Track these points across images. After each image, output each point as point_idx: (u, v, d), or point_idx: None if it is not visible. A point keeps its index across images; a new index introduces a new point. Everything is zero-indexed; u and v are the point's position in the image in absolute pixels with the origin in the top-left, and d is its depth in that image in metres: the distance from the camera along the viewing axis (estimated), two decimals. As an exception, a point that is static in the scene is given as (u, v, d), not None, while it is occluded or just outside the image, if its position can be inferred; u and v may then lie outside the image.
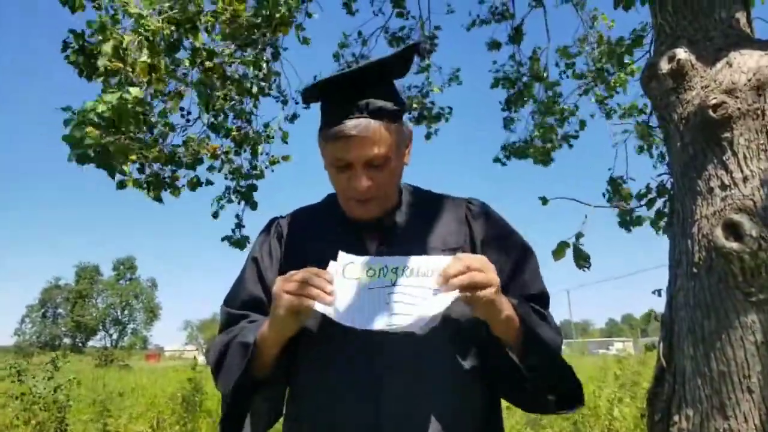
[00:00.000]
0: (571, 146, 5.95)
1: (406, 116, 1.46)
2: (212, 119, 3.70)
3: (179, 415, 8.31)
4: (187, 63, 3.07)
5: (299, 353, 1.35)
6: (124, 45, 2.49)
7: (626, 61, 5.26)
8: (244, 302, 1.42)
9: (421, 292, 1.18)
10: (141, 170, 3.51)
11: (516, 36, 5.90)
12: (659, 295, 2.81)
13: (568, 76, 5.96)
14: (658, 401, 1.53)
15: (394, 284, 1.20)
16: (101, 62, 2.53)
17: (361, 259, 1.25)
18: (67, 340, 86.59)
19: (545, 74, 5.91)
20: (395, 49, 6.35)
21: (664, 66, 1.47)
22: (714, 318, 1.30)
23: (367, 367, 1.26)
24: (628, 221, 4.17)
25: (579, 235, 2.58)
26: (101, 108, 2.47)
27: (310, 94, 1.37)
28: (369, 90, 1.31)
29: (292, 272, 1.20)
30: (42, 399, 6.61)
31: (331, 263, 1.23)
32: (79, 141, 2.50)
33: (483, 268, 1.15)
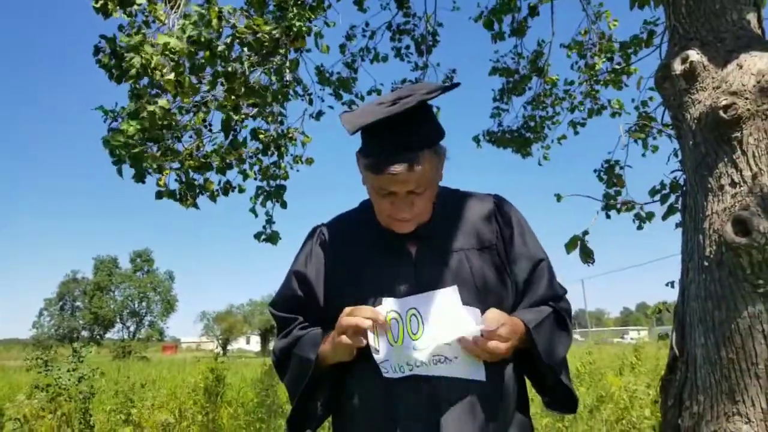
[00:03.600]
0: (577, 133, 6.09)
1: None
2: (232, 136, 3.86)
3: (201, 405, 8.49)
4: (208, 83, 3.22)
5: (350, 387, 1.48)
6: (152, 65, 2.64)
7: (633, 59, 5.33)
8: (290, 305, 1.56)
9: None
10: (178, 180, 3.70)
11: (519, 29, 5.97)
12: (672, 286, 2.90)
13: (581, 68, 6.03)
14: (671, 387, 1.60)
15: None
16: (132, 71, 2.68)
17: (395, 306, 1.39)
18: (85, 333, 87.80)
19: (546, 67, 6.01)
20: (395, 43, 6.48)
21: (677, 67, 1.53)
22: (724, 309, 1.37)
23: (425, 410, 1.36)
24: (641, 218, 4.21)
25: (585, 233, 2.69)
26: (131, 130, 2.67)
27: (354, 130, 1.38)
28: (411, 122, 1.34)
29: (353, 310, 1.36)
30: (66, 390, 6.80)
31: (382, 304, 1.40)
32: (117, 154, 2.69)
33: (506, 338, 1.33)
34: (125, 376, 8.63)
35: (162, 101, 2.80)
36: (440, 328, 1.35)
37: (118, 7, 2.85)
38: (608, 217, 4.23)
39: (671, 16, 1.65)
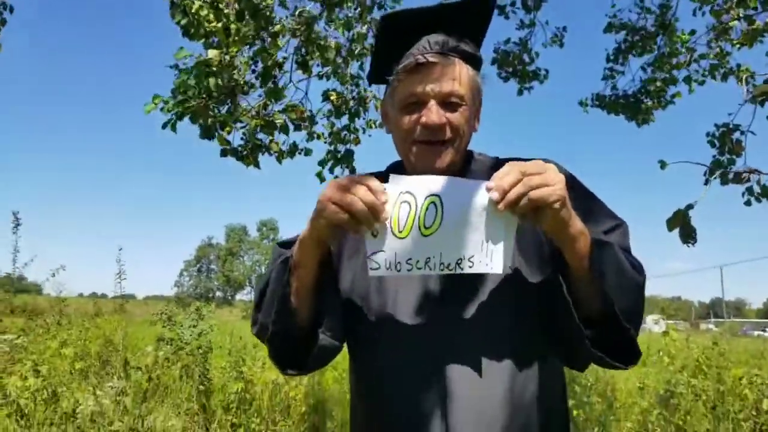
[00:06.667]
0: (692, 91, 5.31)
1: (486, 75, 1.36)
2: (272, 83, 3.68)
3: (307, 368, 8.85)
4: (253, 28, 3.11)
5: (357, 352, 1.31)
6: (193, 10, 2.62)
7: None
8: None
9: (481, 219, 1.05)
10: (244, 138, 3.65)
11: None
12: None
13: (704, 14, 5.25)
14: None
15: (443, 216, 1.06)
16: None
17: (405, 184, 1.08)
18: (219, 294, 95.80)
19: (673, 24, 5.28)
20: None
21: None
22: None
23: (435, 374, 1.18)
24: (753, 193, 3.53)
25: (690, 207, 2.25)
26: (191, 82, 2.67)
27: (390, 23, 1.28)
28: (450, 30, 1.23)
29: (344, 178, 1.10)
30: (188, 345, 7.36)
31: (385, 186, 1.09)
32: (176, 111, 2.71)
33: (542, 172, 1.02)
34: (239, 336, 9.19)
35: (212, 52, 2.79)
36: (463, 227, 1.05)
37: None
38: (706, 183, 3.62)
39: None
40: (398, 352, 1.22)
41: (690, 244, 2.26)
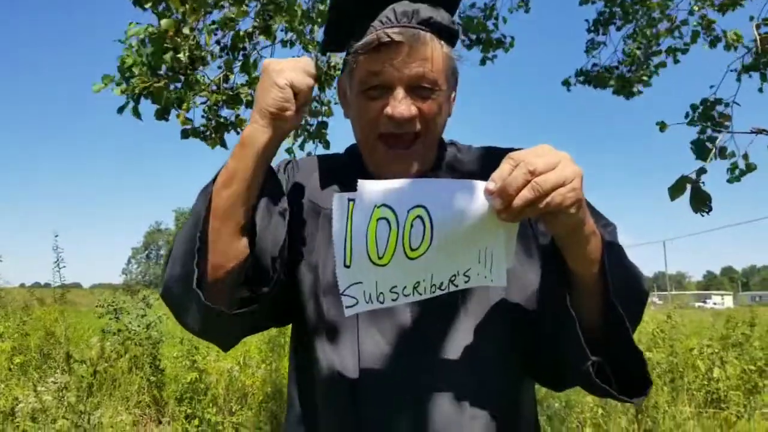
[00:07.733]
0: (677, 61, 5.19)
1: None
2: (243, 57, 3.35)
3: (265, 354, 8.58)
4: None
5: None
6: None
7: None
8: None
9: (477, 226, 0.84)
10: (205, 116, 3.29)
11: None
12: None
13: None
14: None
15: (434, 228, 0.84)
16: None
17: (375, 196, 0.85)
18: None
19: None
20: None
21: None
22: None
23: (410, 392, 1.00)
24: (735, 168, 3.43)
25: (701, 171, 2.07)
26: (129, 61, 2.40)
27: None
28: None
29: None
30: (137, 336, 6.99)
31: (338, 199, 0.85)
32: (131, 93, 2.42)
33: (554, 167, 0.79)
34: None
35: (166, 22, 2.48)
36: (457, 241, 0.84)
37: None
38: (697, 158, 3.50)
39: None
40: (367, 353, 1.02)
41: (704, 213, 2.05)
